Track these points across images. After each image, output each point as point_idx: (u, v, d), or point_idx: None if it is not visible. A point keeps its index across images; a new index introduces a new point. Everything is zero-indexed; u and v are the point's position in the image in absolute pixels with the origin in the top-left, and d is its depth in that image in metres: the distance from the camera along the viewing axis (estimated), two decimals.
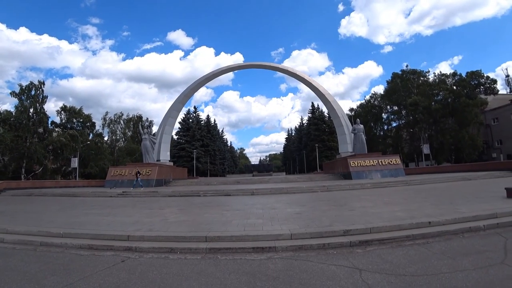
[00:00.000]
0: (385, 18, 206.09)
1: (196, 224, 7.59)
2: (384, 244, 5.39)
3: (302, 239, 5.77)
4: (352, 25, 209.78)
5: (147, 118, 65.89)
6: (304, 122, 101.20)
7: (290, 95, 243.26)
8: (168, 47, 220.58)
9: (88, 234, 6.60)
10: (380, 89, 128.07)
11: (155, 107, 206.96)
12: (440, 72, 53.01)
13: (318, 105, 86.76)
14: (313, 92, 39.49)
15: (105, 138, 57.56)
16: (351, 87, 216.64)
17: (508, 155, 45.35)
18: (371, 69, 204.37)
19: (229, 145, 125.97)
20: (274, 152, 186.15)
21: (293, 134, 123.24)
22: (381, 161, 27.83)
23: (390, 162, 27.93)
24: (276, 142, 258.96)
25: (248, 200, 13.59)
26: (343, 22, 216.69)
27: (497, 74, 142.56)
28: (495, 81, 47.79)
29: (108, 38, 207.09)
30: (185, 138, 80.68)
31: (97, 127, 55.72)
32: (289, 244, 5.46)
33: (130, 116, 61.72)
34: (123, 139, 60.67)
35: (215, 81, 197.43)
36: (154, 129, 55.18)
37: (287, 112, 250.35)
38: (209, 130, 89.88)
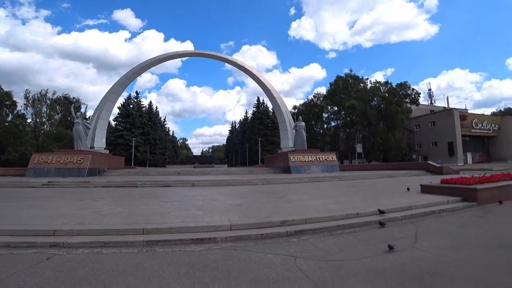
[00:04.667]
0: (332, 27, 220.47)
1: (132, 216, 7.21)
2: (317, 234, 5.80)
3: (241, 229, 5.89)
4: (302, 29, 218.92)
5: (81, 100, 59.79)
6: (248, 116, 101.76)
7: (237, 88, 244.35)
8: (114, 26, 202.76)
9: (4, 230, 5.74)
10: (322, 90, 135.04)
11: (93, 89, 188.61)
12: (376, 80, 58.40)
13: (263, 100, 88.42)
14: (259, 88, 40.06)
15: (28, 121, 50.86)
16: (296, 86, 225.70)
17: (425, 157, 52.02)
18: (315, 71, 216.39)
19: (171, 134, 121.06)
20: (217, 144, 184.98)
21: (237, 127, 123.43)
22: (319, 157, 29.53)
23: (327, 159, 29.81)
24: (219, 134, 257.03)
25: (189, 192, 13.33)
26: (294, 24, 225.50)
27: (420, 87, 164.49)
28: (419, 93, 54.54)
29: (44, 7, 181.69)
30: (124, 124, 75.29)
31: (19, 107, 49.06)
32: (228, 235, 5.53)
33: (60, 95, 55.27)
34: (50, 122, 54.23)
35: (161, 67, 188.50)
36: (90, 113, 50.53)
37: (233, 105, 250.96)
38: (151, 118, 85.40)
